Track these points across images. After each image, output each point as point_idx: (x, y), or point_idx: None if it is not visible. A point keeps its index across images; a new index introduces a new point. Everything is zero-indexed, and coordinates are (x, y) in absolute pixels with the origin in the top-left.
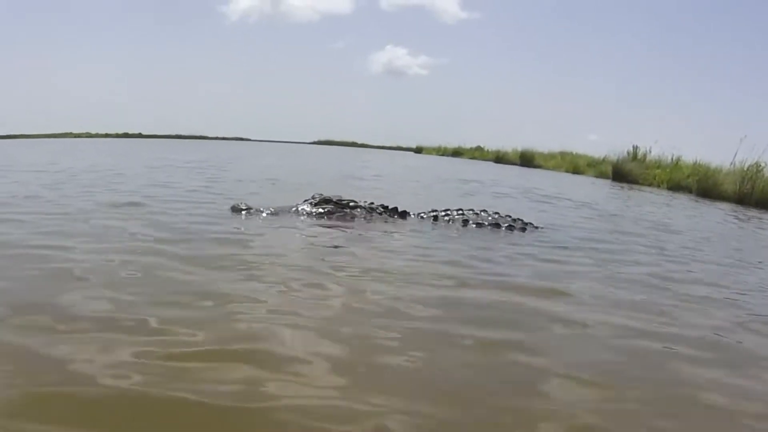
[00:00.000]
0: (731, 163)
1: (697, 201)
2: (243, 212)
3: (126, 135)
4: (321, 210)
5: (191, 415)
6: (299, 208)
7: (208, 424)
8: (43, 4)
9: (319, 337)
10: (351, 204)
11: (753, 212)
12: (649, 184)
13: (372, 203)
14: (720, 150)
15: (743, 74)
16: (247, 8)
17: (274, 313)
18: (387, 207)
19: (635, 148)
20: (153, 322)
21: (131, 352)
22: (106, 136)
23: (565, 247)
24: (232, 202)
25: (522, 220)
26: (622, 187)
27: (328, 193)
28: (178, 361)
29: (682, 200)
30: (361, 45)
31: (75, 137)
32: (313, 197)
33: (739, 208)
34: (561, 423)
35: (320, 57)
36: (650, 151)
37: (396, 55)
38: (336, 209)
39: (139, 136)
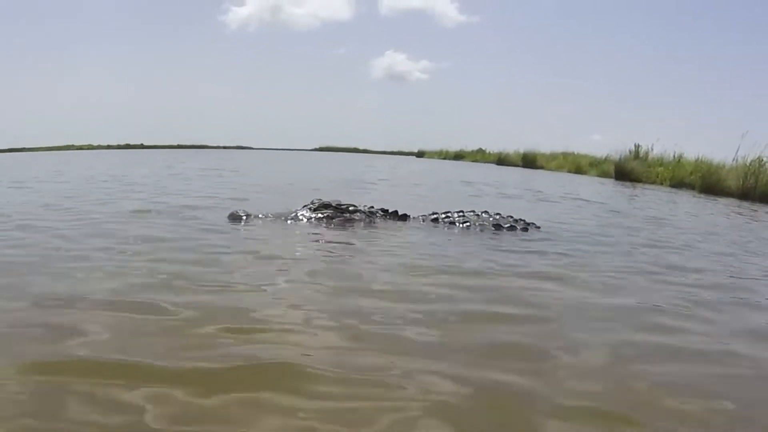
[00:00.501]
0: (734, 159)
1: (700, 197)
2: (242, 219)
3: (128, 146)
4: (320, 215)
5: None
6: (298, 214)
7: None
8: (38, 19)
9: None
10: (350, 208)
11: (758, 206)
12: (652, 182)
13: (372, 207)
14: (722, 147)
15: (743, 71)
16: (246, 17)
17: (277, 313)
18: (387, 210)
19: (637, 146)
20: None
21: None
22: (108, 147)
23: (568, 242)
24: (232, 210)
25: (524, 221)
26: (624, 186)
27: (328, 198)
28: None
29: (686, 197)
30: (361, 51)
31: (77, 149)
32: (312, 202)
33: (744, 204)
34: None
35: (321, 64)
36: (652, 149)
37: (396, 60)
38: (335, 214)
39: (141, 146)
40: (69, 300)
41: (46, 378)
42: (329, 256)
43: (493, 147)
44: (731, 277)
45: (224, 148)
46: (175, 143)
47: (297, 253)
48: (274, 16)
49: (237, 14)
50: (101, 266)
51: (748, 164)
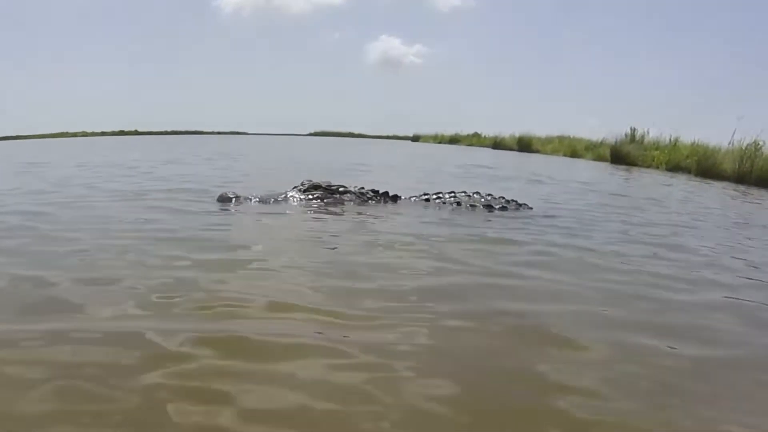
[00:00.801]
0: (729, 143)
1: (696, 181)
2: (232, 200)
3: (122, 132)
4: (310, 196)
5: None
6: (288, 195)
7: None
8: (27, 10)
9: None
10: (341, 189)
11: (753, 190)
12: (648, 166)
13: (362, 188)
14: (718, 132)
15: (738, 58)
16: (240, 1)
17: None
18: (377, 191)
19: (633, 130)
20: None
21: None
22: (103, 134)
23: (557, 219)
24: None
25: (516, 201)
26: (620, 169)
27: (319, 180)
28: None
29: (681, 180)
30: (355, 36)
31: (71, 137)
32: (302, 183)
33: (740, 187)
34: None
35: (315, 49)
36: (648, 133)
37: (391, 45)
38: (326, 195)
39: (135, 132)
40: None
41: None
42: (316, 234)
43: (488, 131)
44: (707, 247)
45: (219, 133)
46: (170, 129)
47: (284, 230)
48: (267, 1)
49: None
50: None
51: (743, 148)
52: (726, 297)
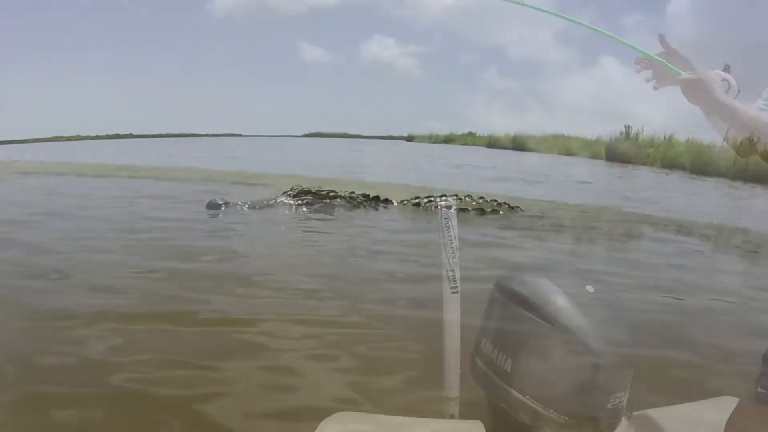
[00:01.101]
0: (724, 139)
1: (690, 178)
2: (221, 207)
3: (117, 136)
4: (300, 202)
5: None
6: (278, 201)
7: None
8: (20, 9)
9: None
10: (331, 194)
11: (747, 186)
12: (643, 163)
13: (353, 192)
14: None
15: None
16: (233, 4)
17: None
18: (368, 196)
19: (627, 127)
20: None
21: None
22: (97, 138)
23: (546, 219)
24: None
25: (508, 204)
26: (614, 167)
27: (307, 185)
28: None
29: (674, 177)
30: (349, 36)
31: (66, 141)
32: (291, 189)
33: (734, 183)
34: None
35: (309, 49)
36: (642, 131)
37: (384, 45)
38: (315, 200)
39: (131, 136)
40: None
41: None
42: (303, 237)
43: (483, 130)
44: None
45: (213, 136)
46: (164, 132)
47: (271, 235)
48: (260, 2)
49: (223, 1)
50: None
51: (738, 144)
52: None
